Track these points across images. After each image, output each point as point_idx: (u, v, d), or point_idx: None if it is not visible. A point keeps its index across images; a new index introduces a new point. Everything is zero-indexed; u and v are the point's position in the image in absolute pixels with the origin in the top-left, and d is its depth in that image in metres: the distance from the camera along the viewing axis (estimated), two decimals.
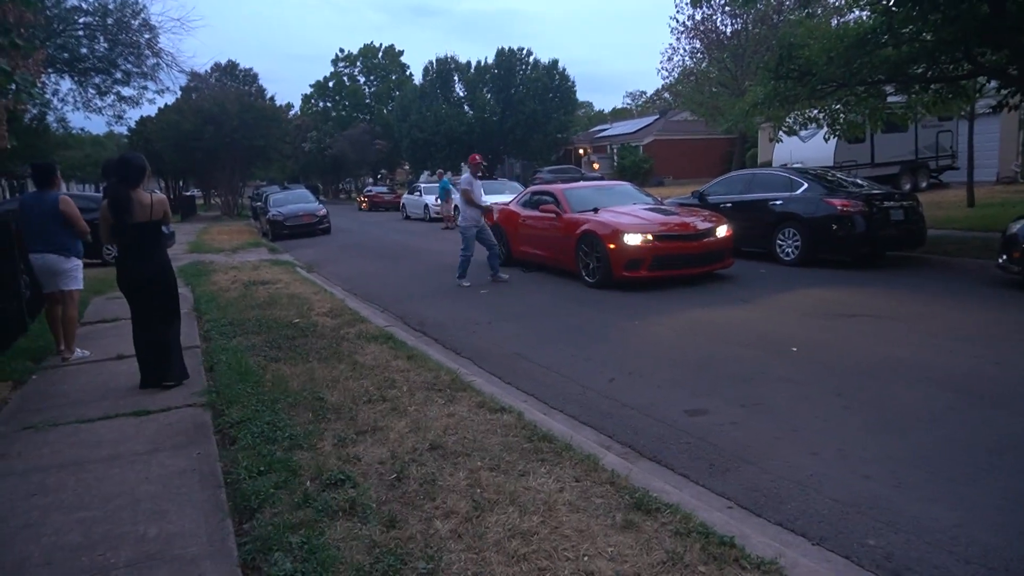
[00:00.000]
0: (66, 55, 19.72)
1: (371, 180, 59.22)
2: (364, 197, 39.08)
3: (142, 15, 20.44)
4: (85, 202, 14.91)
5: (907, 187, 19.66)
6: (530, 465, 3.55)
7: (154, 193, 5.21)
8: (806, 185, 10.59)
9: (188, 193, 51.84)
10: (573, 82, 42.14)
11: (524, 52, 41.47)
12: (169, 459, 3.84)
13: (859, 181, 11.42)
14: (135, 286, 5.10)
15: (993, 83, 11.43)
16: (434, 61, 42.96)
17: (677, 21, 30.66)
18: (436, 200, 23.10)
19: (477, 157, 10.89)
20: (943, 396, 4.60)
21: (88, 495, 3.44)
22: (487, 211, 10.49)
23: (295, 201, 23.06)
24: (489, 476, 3.42)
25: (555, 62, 41.57)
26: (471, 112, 41.71)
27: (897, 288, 8.38)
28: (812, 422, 4.29)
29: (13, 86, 6.51)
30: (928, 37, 10.55)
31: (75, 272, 6.12)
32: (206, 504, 3.30)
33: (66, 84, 21.48)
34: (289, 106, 50.65)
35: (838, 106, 12.35)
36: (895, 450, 3.83)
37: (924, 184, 21.03)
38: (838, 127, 12.79)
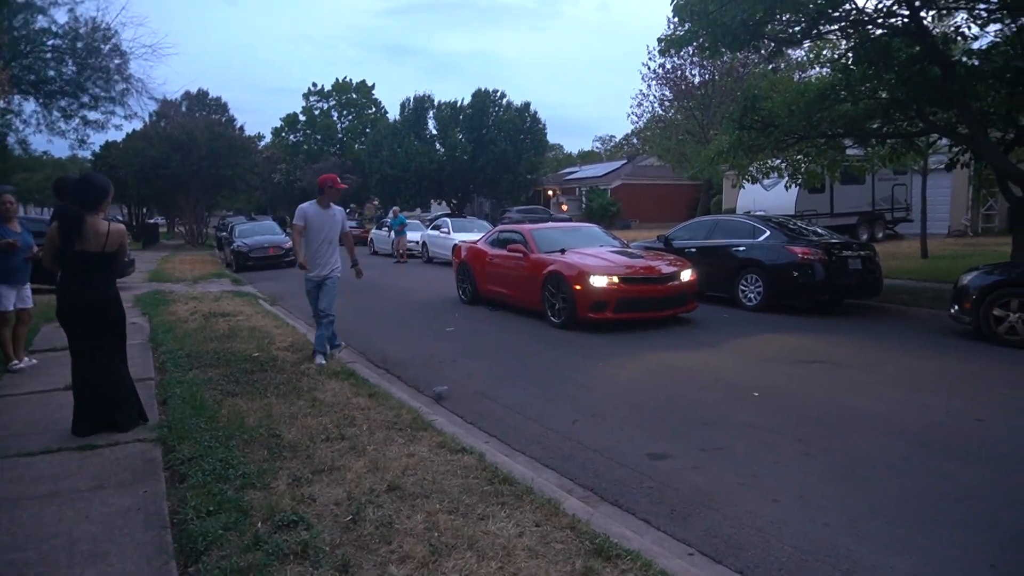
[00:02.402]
0: (32, 77, 19.42)
1: None
2: None
3: (113, 40, 20.28)
4: (38, 226, 14.59)
5: (864, 237, 20.28)
6: (490, 508, 3.48)
7: (113, 222, 4.81)
8: (768, 232, 10.84)
9: (151, 221, 50.94)
10: (544, 124, 42.82)
11: (498, 94, 42.14)
12: (113, 497, 3.68)
13: (819, 230, 11.74)
14: (76, 319, 4.65)
15: (944, 140, 11.95)
16: (411, 99, 43.33)
17: (648, 68, 31.60)
18: (389, 234, 23.88)
19: (333, 180, 7.39)
20: (899, 445, 4.67)
21: (22, 535, 3.26)
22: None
23: (261, 232, 22.80)
24: (448, 519, 3.34)
25: (527, 104, 42.28)
26: (442, 150, 42.03)
27: (854, 336, 8.56)
28: (773, 468, 4.30)
29: None
30: (884, 95, 11.02)
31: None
32: (149, 546, 3.15)
33: (30, 106, 21.10)
34: (260, 136, 50.52)
35: (799, 156, 12.77)
36: (853, 498, 3.85)
37: (880, 235, 21.72)
38: (799, 177, 13.19)
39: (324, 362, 6.87)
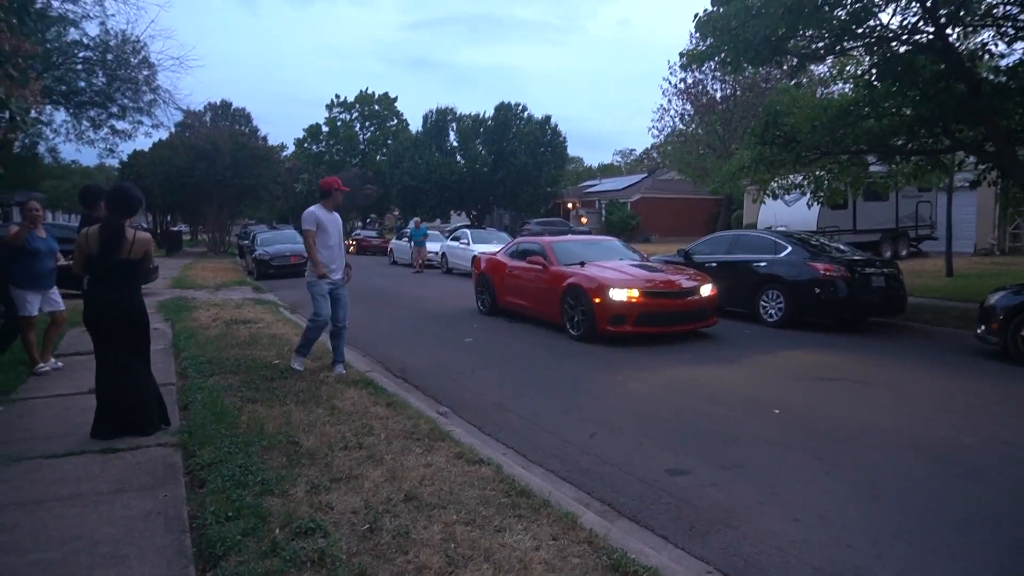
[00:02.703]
0: (63, 87, 19.83)
1: (360, 224, 59.43)
2: (352, 240, 39.18)
3: (142, 52, 20.65)
4: (66, 232, 14.86)
5: (887, 254, 20.03)
6: (507, 521, 3.47)
7: (139, 231, 4.96)
8: (790, 248, 10.75)
9: (175, 228, 51.72)
10: (564, 138, 42.97)
11: (520, 108, 42.35)
12: (134, 500, 3.71)
13: (841, 247, 11.63)
14: (101, 323, 4.78)
15: (971, 158, 11.81)
16: (434, 111, 43.69)
17: (669, 83, 31.60)
18: (409, 244, 24.24)
19: (337, 182, 7.16)
20: (922, 466, 4.59)
21: (45, 536, 3.30)
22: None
23: (282, 241, 23.03)
24: (464, 531, 3.33)
25: (548, 118, 42.45)
26: (463, 162, 42.28)
27: (877, 354, 8.44)
28: (793, 487, 4.24)
29: (7, 113, 6.54)
30: (908, 112, 10.93)
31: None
32: (169, 550, 3.17)
33: (60, 115, 21.55)
34: (282, 147, 51.14)
35: (821, 173, 12.68)
36: (876, 519, 3.79)
37: (904, 252, 21.45)
38: (821, 193, 13.08)
39: (344, 371, 6.86)
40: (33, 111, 7.84)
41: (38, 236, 6.64)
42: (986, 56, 10.35)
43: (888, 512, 3.88)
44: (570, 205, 46.99)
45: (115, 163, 36.79)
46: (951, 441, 5.09)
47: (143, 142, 39.08)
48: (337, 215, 7.11)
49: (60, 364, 7.00)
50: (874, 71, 10.79)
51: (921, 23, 9.81)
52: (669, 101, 32.29)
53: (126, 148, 47.20)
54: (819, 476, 4.42)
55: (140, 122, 22.29)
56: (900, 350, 8.74)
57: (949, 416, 5.73)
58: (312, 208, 6.96)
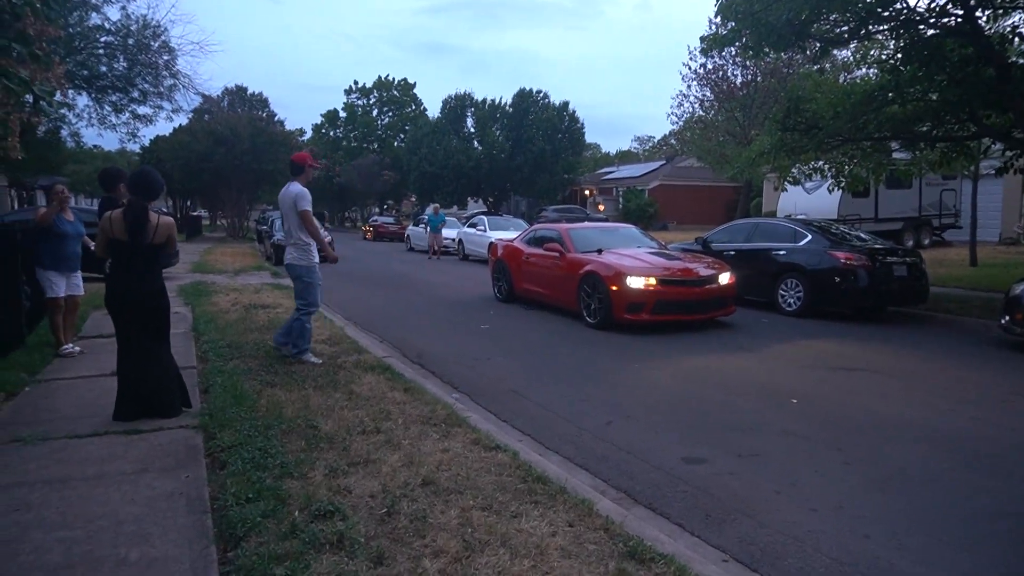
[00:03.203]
0: (85, 72, 20.02)
1: (377, 210, 59.61)
2: (369, 227, 39.32)
3: (162, 37, 20.81)
4: (92, 216, 15.04)
5: (910, 243, 19.75)
6: (523, 507, 3.48)
7: (161, 215, 4.98)
8: (810, 237, 10.63)
9: (195, 213, 52.15)
10: (582, 124, 42.68)
11: (540, 95, 42.09)
12: (156, 481, 3.78)
13: (863, 235, 11.48)
14: (122, 307, 4.83)
15: (998, 145, 11.57)
16: (452, 96, 43.55)
17: (689, 69, 31.13)
18: (426, 230, 24.43)
19: (308, 157, 6.87)
20: (942, 457, 4.54)
21: (71, 514, 3.37)
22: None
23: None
24: (481, 516, 3.36)
25: (566, 104, 42.17)
26: (480, 149, 42.17)
27: (898, 344, 8.35)
28: (811, 476, 4.22)
29: (30, 96, 6.61)
30: (934, 97, 10.72)
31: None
32: (191, 530, 3.23)
33: (83, 100, 21.77)
34: (301, 132, 51.20)
35: (843, 159, 12.49)
36: (894, 510, 3.76)
37: (927, 241, 21.14)
38: (843, 180, 12.90)
39: (318, 360, 6.57)
40: (57, 95, 7.91)
41: (66, 219, 6.76)
42: (1016, 39, 10.10)
43: (906, 503, 3.85)
44: (587, 192, 46.78)
45: (136, 148, 37.13)
46: (971, 433, 5.03)
47: (163, 127, 39.60)
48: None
49: (78, 349, 7.01)
50: (899, 55, 10.58)
51: (949, 5, 9.59)
52: (689, 87, 31.97)
53: (147, 133, 47.63)
54: (837, 466, 4.39)
55: (160, 107, 22.51)
56: (922, 340, 8.64)
57: (970, 408, 5.67)
58: (302, 187, 6.58)
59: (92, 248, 6.64)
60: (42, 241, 6.72)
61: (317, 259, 6.67)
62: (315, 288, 6.65)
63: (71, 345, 6.99)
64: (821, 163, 12.69)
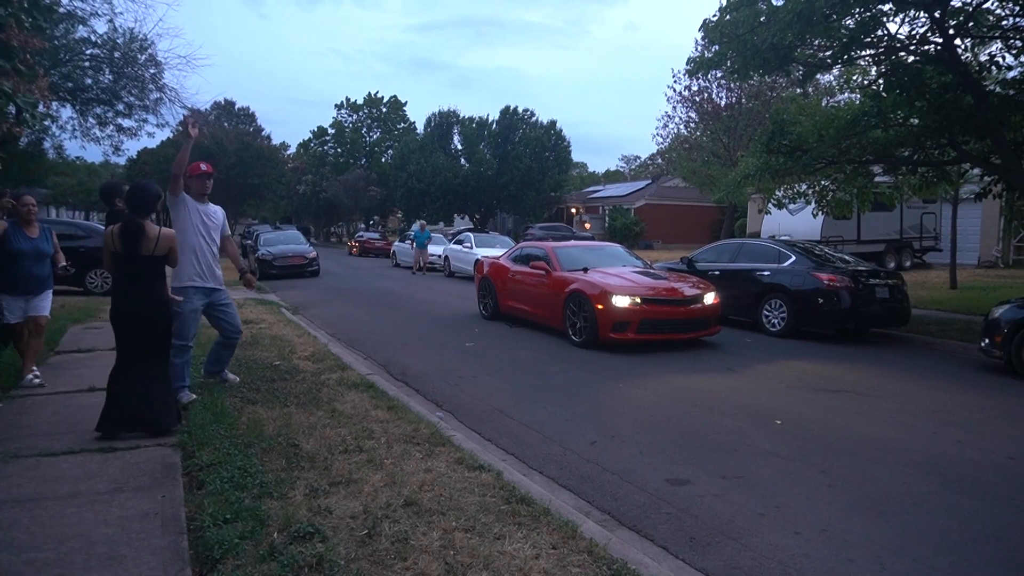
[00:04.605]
0: (70, 84, 19.87)
1: (363, 225, 59.52)
2: (355, 242, 39.19)
3: (149, 51, 20.70)
4: (72, 228, 14.88)
5: (892, 265, 20.01)
6: (506, 528, 3.44)
7: (162, 227, 4.97)
8: (794, 258, 10.72)
9: None
10: (569, 143, 42.95)
11: (527, 113, 42.39)
12: (131, 500, 3.69)
13: (846, 257, 11.59)
14: (127, 321, 4.80)
15: (977, 170, 11.78)
16: (436, 113, 43.71)
17: (673, 90, 31.47)
18: (412, 246, 24.47)
19: (203, 167, 5.88)
20: (926, 480, 4.55)
21: (42, 535, 3.28)
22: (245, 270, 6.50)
23: (285, 241, 23.05)
24: (464, 538, 3.31)
25: (553, 123, 42.46)
26: (468, 166, 42.28)
27: (881, 365, 8.40)
28: (795, 499, 4.21)
29: (13, 108, 6.53)
30: (915, 122, 10.90)
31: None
32: (166, 551, 3.15)
33: (67, 112, 21.59)
34: (285, 146, 51.16)
35: (826, 182, 12.64)
36: (879, 534, 3.75)
37: (908, 263, 21.41)
38: (826, 203, 13.05)
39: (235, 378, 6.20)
40: (40, 106, 7.80)
41: (26, 235, 6.01)
42: (994, 68, 10.32)
43: (891, 527, 3.85)
44: (574, 210, 47.00)
45: (121, 161, 36.89)
46: (955, 455, 5.05)
47: (148, 140, 39.32)
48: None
49: (38, 380, 6.12)
50: (881, 81, 10.77)
51: (929, 34, 9.79)
52: (674, 108, 32.17)
53: (133, 146, 47.31)
54: (821, 489, 4.38)
55: (145, 120, 22.34)
56: (904, 362, 8.70)
57: (953, 430, 5.70)
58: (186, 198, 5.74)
59: (60, 268, 6.39)
60: None
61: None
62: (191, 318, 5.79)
63: (31, 375, 6.12)
64: (804, 187, 12.85)
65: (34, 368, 6.22)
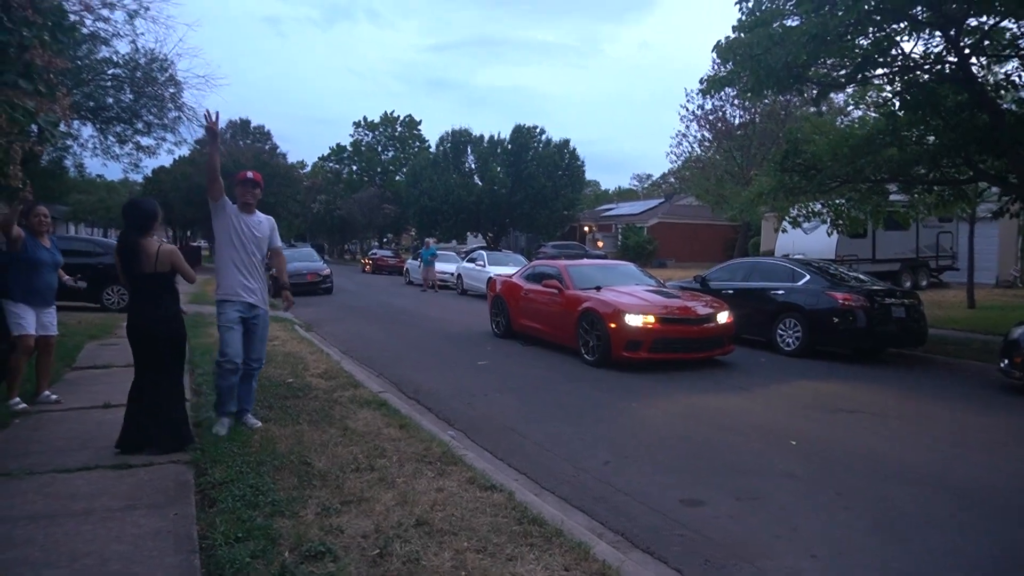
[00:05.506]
0: (91, 103, 20.23)
1: (377, 243, 59.87)
2: (368, 260, 39.41)
3: (169, 71, 21.05)
4: (90, 245, 15.08)
5: (907, 285, 19.80)
6: (519, 549, 3.41)
7: (163, 243, 5.00)
8: (808, 277, 10.66)
9: (195, 243, 52.36)
10: (582, 161, 43.08)
11: (538, 130, 42.62)
12: (144, 518, 3.70)
13: (861, 276, 11.50)
14: (134, 337, 4.87)
15: (994, 188, 11.69)
16: (450, 132, 44.06)
17: (687, 110, 31.58)
18: (419, 264, 24.58)
19: (248, 174, 5.49)
20: (945, 503, 4.47)
21: (56, 552, 3.29)
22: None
23: (299, 259, 23.18)
24: (475, 558, 3.28)
25: (567, 141, 42.65)
26: (481, 184, 42.50)
27: (898, 386, 8.30)
28: (811, 521, 4.15)
29: (35, 127, 6.66)
30: (930, 141, 10.86)
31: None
32: (177, 569, 3.15)
33: (87, 130, 21.95)
34: (301, 164, 51.64)
35: (841, 201, 12.59)
36: (897, 557, 3.69)
37: (924, 283, 21.20)
38: (841, 222, 12.98)
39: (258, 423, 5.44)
40: (62, 125, 7.93)
41: (42, 245, 5.98)
42: (1010, 87, 10.28)
43: (910, 550, 3.78)
44: (586, 228, 47.06)
45: (139, 178, 37.40)
46: (975, 478, 4.96)
47: (165, 158, 39.73)
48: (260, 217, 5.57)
49: (55, 396, 6.15)
50: (896, 100, 10.76)
51: (945, 53, 9.78)
52: (687, 127, 32.29)
53: (150, 164, 48.02)
54: (837, 511, 4.32)
55: (164, 138, 22.68)
56: (921, 383, 8.59)
57: (972, 452, 5.60)
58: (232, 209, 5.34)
59: (65, 280, 6.39)
60: (12, 269, 5.78)
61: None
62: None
63: (47, 393, 6.12)
64: (819, 206, 12.80)
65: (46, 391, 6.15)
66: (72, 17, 9.98)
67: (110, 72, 20.30)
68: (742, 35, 9.91)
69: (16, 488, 4.08)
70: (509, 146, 42.50)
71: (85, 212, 49.64)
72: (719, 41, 10.35)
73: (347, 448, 4.93)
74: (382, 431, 5.44)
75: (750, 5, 10.07)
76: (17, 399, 5.82)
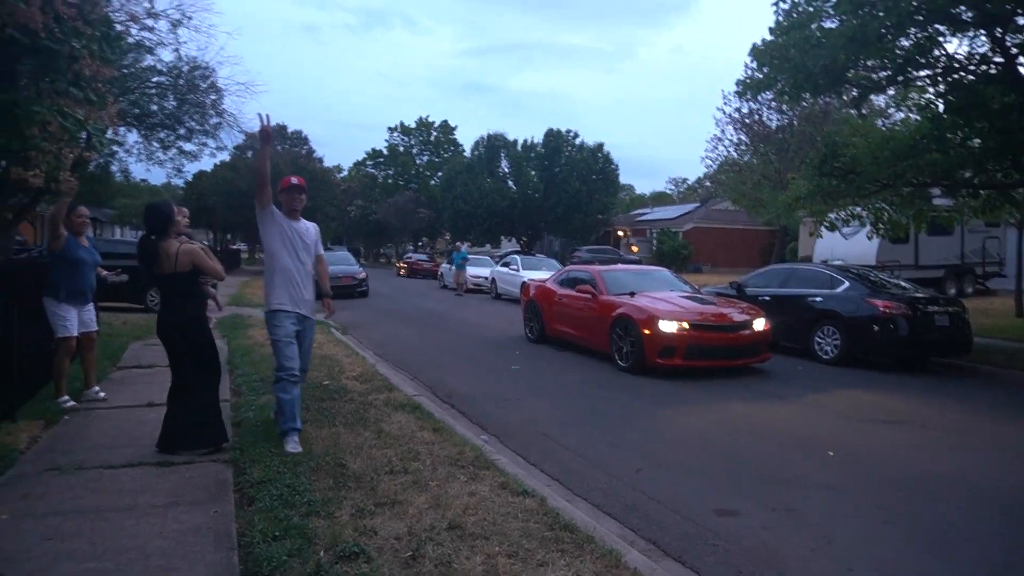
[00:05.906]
0: (136, 110, 20.84)
1: (412, 247, 60.40)
2: (403, 263, 39.78)
3: (211, 78, 21.59)
4: (132, 247, 15.49)
5: (952, 292, 19.27)
6: (550, 555, 3.42)
7: (183, 243, 4.98)
8: (848, 284, 10.45)
9: (234, 247, 53.44)
10: (616, 165, 42.94)
11: (571, 134, 42.58)
12: (185, 514, 3.81)
13: (902, 283, 11.24)
14: (164, 336, 4.96)
15: None
16: (485, 137, 44.28)
17: (723, 112, 31.23)
18: (451, 268, 24.94)
19: (293, 180, 5.36)
20: (988, 517, 4.35)
21: (102, 545, 3.41)
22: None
23: (336, 263, 23.46)
24: (507, 563, 3.30)
25: (600, 145, 42.54)
26: (515, 188, 42.61)
27: (941, 397, 8.09)
28: (849, 534, 4.07)
29: (84, 134, 6.88)
30: (976, 144, 10.57)
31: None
32: (217, 566, 3.23)
33: (132, 136, 22.61)
34: (338, 168, 52.39)
35: (882, 205, 12.32)
36: (938, 573, 3.60)
37: (970, 290, 20.60)
38: (882, 226, 12.70)
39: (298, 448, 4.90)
40: (110, 131, 8.18)
41: (81, 245, 6.14)
42: None
43: (952, 567, 3.68)
44: (621, 233, 46.78)
45: (180, 183, 38.31)
46: (1020, 491, 4.82)
47: (206, 163, 40.83)
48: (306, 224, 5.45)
49: (103, 393, 6.37)
50: (939, 102, 10.50)
51: (990, 53, 9.53)
52: (723, 131, 31.88)
53: (191, 168, 49.22)
54: (877, 524, 4.23)
55: (205, 144, 23.26)
56: (965, 393, 8.36)
57: (1018, 465, 5.44)
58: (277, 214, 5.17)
59: (104, 276, 6.61)
60: (55, 269, 5.93)
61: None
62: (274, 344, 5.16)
63: (96, 389, 6.37)
64: (859, 209, 12.54)
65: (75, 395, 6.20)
66: (118, 27, 10.30)
67: (154, 80, 20.88)
68: (779, 38, 9.78)
69: (66, 483, 4.23)
70: (542, 150, 42.56)
71: (130, 215, 51.00)
72: (755, 44, 10.23)
73: (381, 451, 4.99)
74: (416, 434, 5.49)
75: (787, 7, 9.94)
76: (66, 397, 6.01)
